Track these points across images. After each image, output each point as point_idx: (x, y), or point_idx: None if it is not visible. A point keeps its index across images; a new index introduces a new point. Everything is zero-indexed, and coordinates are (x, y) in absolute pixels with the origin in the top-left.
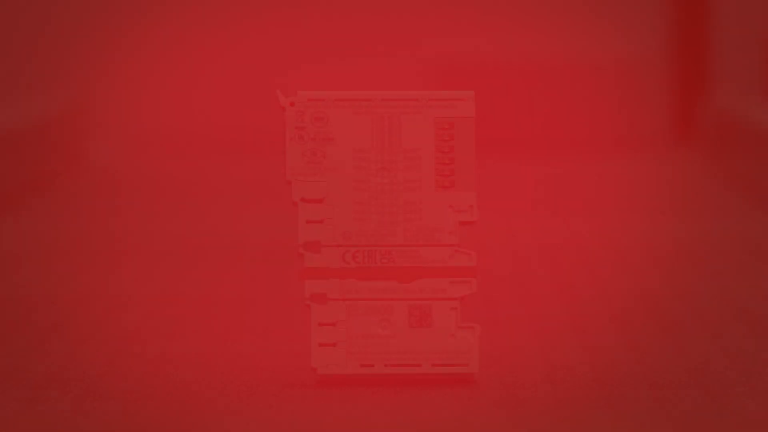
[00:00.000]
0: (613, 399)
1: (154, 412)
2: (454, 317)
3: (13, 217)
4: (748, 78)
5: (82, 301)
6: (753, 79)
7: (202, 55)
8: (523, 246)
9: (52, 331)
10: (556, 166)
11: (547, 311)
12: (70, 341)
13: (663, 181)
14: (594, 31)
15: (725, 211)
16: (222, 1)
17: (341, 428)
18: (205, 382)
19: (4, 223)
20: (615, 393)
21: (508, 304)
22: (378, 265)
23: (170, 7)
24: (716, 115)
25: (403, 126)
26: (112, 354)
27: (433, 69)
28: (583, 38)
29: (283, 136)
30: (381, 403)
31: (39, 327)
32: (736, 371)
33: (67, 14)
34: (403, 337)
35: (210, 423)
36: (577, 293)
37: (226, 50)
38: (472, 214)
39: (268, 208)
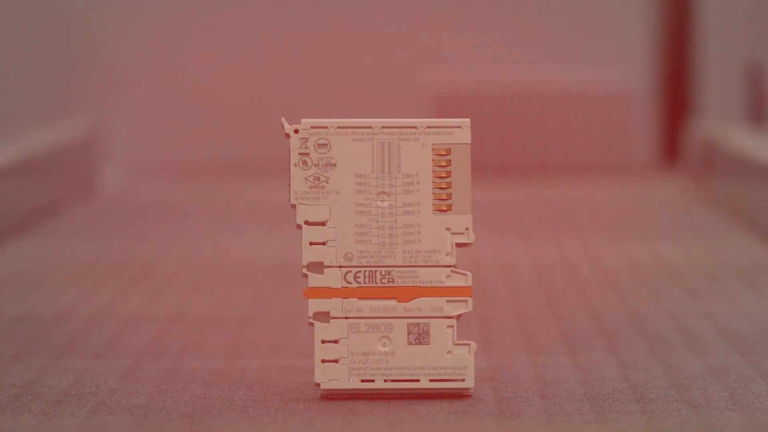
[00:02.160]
0: (603, 413)
1: (166, 426)
2: (450, 335)
3: (30, 239)
4: (729, 108)
5: (95, 318)
6: (733, 109)
7: (210, 85)
8: (517, 267)
9: (67, 347)
10: (549, 190)
11: (539, 329)
12: (85, 357)
13: (650, 205)
14: (585, 64)
15: (709, 234)
16: (229, 34)
17: None
18: (214, 397)
19: (21, 244)
20: (605, 408)
21: (502, 322)
22: (378, 285)
23: (179, 36)
24: (700, 142)
25: (402, 152)
26: (125, 370)
27: (431, 98)
28: (575, 71)
29: (287, 162)
30: (381, 417)
31: (54, 343)
32: (720, 387)
33: (82, 47)
34: (402, 353)
35: None
36: (568, 312)
37: (232, 79)
38: (468, 236)
39: (274, 230)
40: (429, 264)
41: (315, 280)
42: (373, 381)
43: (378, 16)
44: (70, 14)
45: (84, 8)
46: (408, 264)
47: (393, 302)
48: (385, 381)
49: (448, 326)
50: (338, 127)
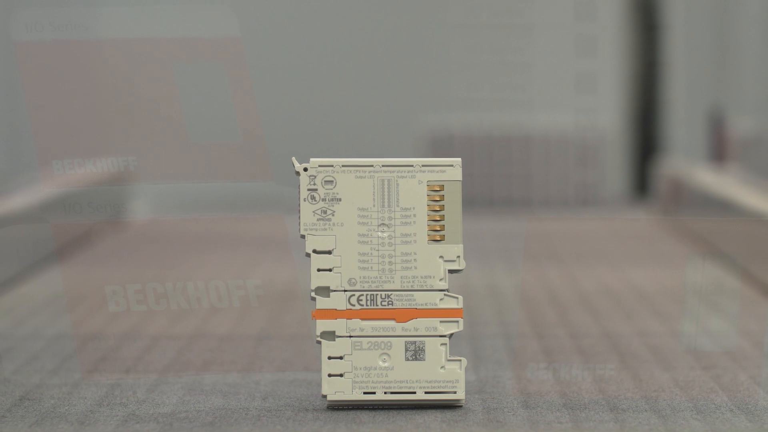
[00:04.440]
0: (580, 422)
1: None
2: (444, 351)
3: (68, 265)
4: (693, 148)
5: (126, 337)
6: (696, 149)
7: (227, 129)
8: (503, 291)
9: (100, 363)
10: (531, 222)
11: (522, 347)
12: (116, 372)
13: (622, 235)
14: (564, 110)
15: (676, 261)
16: (245, 83)
17: None
18: (232, 408)
19: (59, 270)
20: (582, 417)
21: (489, 340)
22: (379, 307)
23: (193, 82)
24: (667, 179)
25: (400, 188)
26: (152, 382)
27: (426, 139)
28: (555, 116)
29: (297, 197)
30: (382, 425)
31: (89, 359)
32: (685, 398)
33: (115, 95)
34: (400, 368)
35: None
36: (548, 331)
37: (246, 123)
38: (460, 263)
39: (285, 258)
40: (424, 288)
41: (322, 302)
42: (374, 393)
43: (380, 69)
44: (101, 67)
45: (113, 59)
46: (405, 288)
47: (392, 322)
48: (385, 393)
49: (442, 344)
50: (343, 166)
